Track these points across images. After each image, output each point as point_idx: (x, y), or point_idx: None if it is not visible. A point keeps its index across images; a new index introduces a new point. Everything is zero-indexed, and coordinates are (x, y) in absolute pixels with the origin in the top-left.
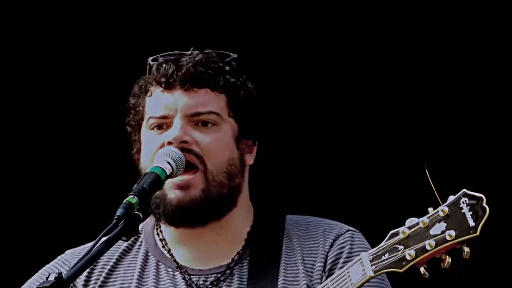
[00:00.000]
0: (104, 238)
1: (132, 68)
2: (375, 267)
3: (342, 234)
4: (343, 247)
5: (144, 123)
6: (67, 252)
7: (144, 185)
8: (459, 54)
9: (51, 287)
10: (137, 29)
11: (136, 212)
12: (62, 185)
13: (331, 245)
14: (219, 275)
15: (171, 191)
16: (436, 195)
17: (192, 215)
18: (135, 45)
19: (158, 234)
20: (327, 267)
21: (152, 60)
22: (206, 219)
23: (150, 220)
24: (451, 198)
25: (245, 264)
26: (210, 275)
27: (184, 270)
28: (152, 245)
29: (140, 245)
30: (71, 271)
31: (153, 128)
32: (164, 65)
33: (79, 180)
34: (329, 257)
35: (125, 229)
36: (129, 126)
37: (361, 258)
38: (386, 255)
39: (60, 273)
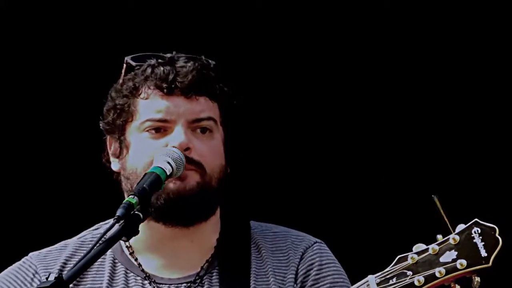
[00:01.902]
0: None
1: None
2: None
3: (310, 246)
4: (313, 259)
5: (134, 124)
6: (32, 255)
7: (144, 185)
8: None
9: (51, 287)
10: (132, 30)
11: (136, 212)
12: (61, 186)
13: (301, 258)
14: (188, 284)
15: (170, 183)
16: (447, 223)
17: (189, 206)
18: (131, 46)
19: (126, 246)
20: (299, 279)
21: (134, 60)
22: (199, 215)
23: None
24: (461, 226)
25: (214, 273)
26: (179, 285)
27: (152, 279)
28: (118, 252)
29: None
30: (71, 271)
31: (147, 131)
32: (162, 69)
33: (78, 181)
34: (299, 269)
35: (125, 229)
36: (112, 125)
37: (367, 281)
38: (394, 279)
39: (60, 273)
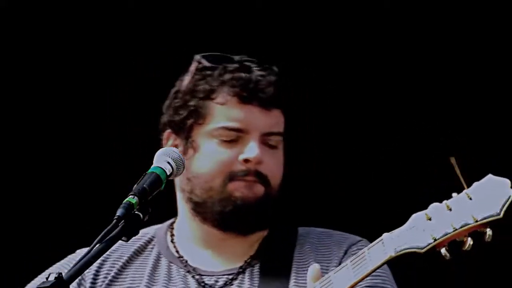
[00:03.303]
0: None
1: (130, 69)
2: (397, 247)
3: (355, 243)
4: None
5: (206, 128)
6: (78, 251)
7: (144, 185)
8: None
9: (51, 287)
10: (132, 30)
11: (136, 212)
12: (60, 186)
13: (345, 252)
14: (230, 276)
15: (237, 191)
16: (461, 179)
17: (253, 216)
18: (131, 46)
19: (172, 242)
20: None
21: (206, 60)
22: (260, 225)
23: (162, 226)
24: (476, 183)
25: (256, 266)
26: (221, 276)
27: (197, 272)
28: (164, 248)
29: (152, 248)
30: (71, 271)
31: (218, 137)
32: (242, 76)
33: (77, 181)
34: (342, 262)
35: (125, 229)
36: (180, 124)
37: (382, 239)
38: (408, 236)
39: (60, 273)
